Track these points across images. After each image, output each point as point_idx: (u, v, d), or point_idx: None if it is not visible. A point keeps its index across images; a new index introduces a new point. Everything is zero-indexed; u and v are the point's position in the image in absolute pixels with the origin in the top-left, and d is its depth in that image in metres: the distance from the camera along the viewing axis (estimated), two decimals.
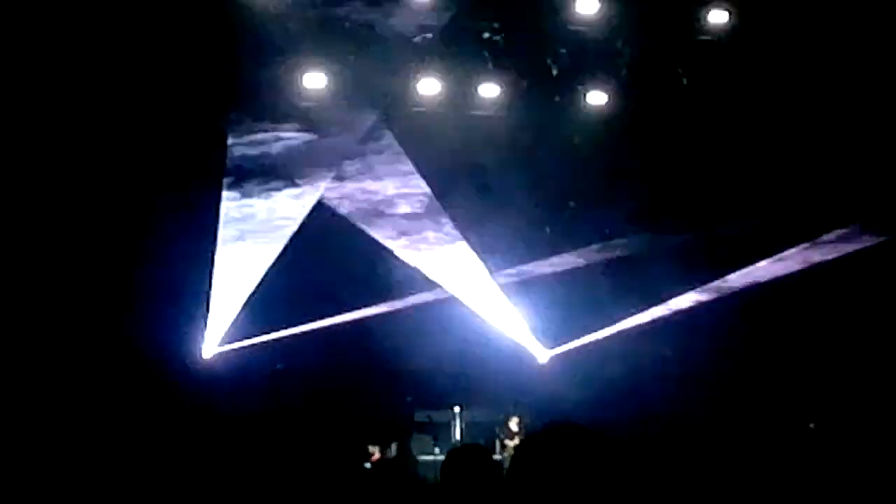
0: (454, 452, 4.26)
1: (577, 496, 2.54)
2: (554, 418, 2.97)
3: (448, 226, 17.07)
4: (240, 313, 16.33)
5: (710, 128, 15.72)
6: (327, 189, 16.36)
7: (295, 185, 16.25)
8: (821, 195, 16.24)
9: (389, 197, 16.86)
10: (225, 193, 15.83)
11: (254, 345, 16.56)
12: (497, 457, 15.52)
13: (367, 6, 14.09)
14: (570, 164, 16.05)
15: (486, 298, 17.34)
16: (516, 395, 16.41)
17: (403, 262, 16.93)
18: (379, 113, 15.46)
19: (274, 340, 16.61)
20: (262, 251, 16.35)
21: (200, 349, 16.51)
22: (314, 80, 14.61)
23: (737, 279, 17.50)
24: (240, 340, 16.55)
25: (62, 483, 12.02)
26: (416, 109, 15.33)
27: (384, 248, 16.85)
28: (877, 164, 15.66)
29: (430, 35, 14.41)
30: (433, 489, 5.25)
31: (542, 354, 17.72)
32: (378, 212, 16.98)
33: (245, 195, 16.14)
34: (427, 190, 16.70)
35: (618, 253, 17.29)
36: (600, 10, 14.25)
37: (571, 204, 16.94)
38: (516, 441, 15.13)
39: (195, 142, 14.85)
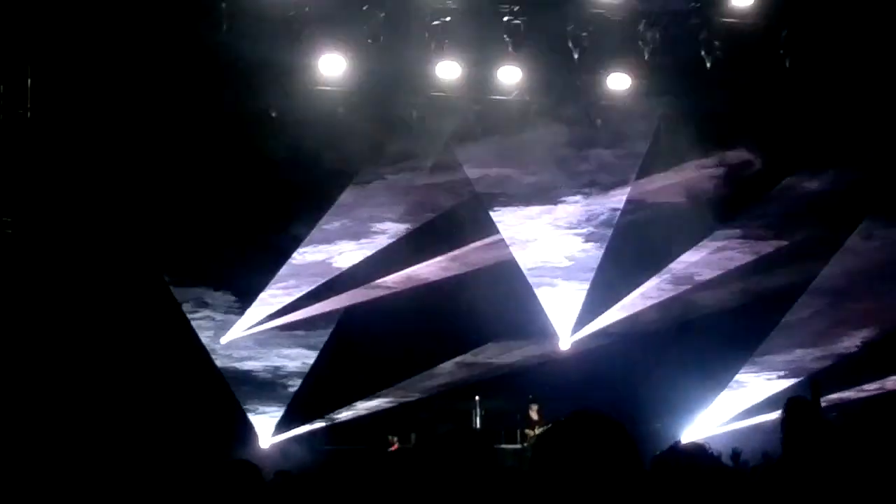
0: (442, 437, 4.16)
1: (600, 483, 2.55)
2: (575, 406, 2.85)
3: None
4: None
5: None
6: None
7: None
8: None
9: None
10: None
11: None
12: (518, 446, 15.38)
13: None
14: None
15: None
16: (537, 383, 16.25)
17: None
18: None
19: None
20: None
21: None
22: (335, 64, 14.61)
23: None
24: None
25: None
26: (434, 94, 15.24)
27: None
28: None
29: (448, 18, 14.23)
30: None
31: (565, 340, 17.52)
32: None
33: None
34: None
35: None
36: None
37: None
38: (537, 430, 14.93)
39: None
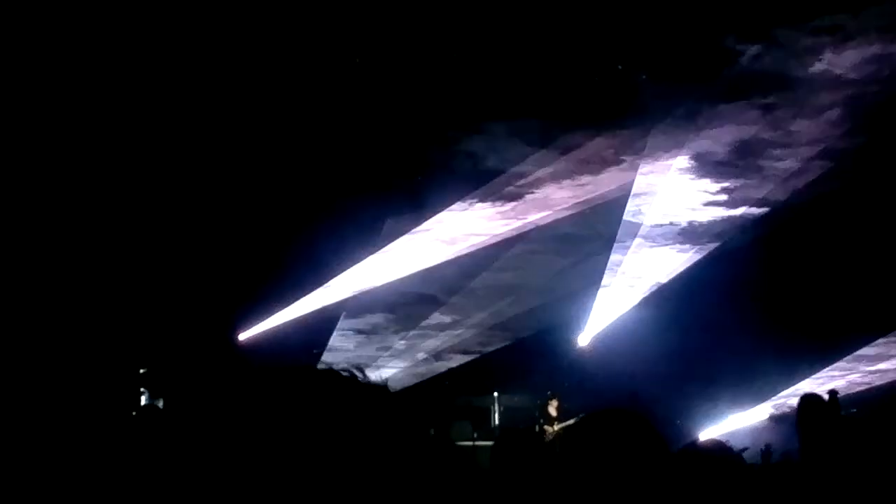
0: (506, 434, 4.15)
1: (624, 479, 2.56)
2: (593, 402, 2.85)
3: None
4: None
5: None
6: None
7: None
8: None
9: None
10: None
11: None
12: None
13: None
14: None
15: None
16: (555, 378, 16.24)
17: None
18: None
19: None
20: None
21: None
22: None
23: None
24: None
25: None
26: None
27: None
28: None
29: None
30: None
31: (582, 337, 17.52)
32: None
33: None
34: None
35: None
36: None
37: None
38: (556, 426, 14.90)
39: None
